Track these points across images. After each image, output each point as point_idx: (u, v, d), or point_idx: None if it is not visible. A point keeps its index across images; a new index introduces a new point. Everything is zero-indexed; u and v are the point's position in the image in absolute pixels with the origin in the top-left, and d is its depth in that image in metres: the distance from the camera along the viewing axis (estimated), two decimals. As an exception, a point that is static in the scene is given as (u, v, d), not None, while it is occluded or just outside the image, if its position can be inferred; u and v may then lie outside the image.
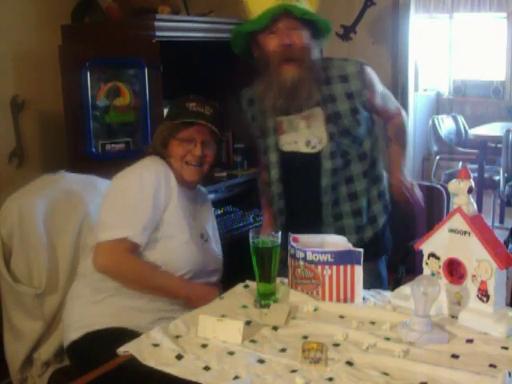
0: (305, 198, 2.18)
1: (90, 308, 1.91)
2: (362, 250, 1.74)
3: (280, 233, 1.74)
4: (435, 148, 6.29)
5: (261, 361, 1.43)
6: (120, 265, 1.87)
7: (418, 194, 2.21)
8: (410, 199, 2.18)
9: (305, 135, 2.13)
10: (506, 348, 1.45)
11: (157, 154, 2.03)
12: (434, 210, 2.55)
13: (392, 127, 2.32)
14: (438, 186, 2.61)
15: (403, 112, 2.35)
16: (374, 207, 2.24)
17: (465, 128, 6.54)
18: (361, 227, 2.19)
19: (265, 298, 1.74)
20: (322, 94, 2.09)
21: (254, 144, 2.32)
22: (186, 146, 1.99)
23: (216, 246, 2.16)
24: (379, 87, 2.24)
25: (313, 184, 2.15)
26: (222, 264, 2.15)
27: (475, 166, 5.33)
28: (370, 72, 2.19)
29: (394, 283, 2.34)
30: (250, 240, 1.73)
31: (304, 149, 2.14)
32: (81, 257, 2.04)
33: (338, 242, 1.89)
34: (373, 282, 2.05)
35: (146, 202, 1.90)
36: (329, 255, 1.73)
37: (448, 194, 2.57)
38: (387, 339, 1.51)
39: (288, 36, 2.01)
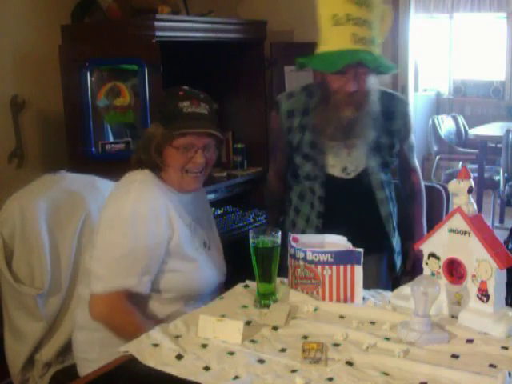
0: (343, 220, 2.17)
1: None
2: (361, 249, 1.74)
3: (280, 233, 1.74)
4: (435, 148, 6.29)
5: (261, 361, 1.43)
6: (116, 320, 1.76)
7: None
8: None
9: (343, 162, 2.20)
10: (506, 348, 1.45)
11: (146, 162, 1.85)
12: (434, 210, 2.55)
13: (412, 186, 2.38)
14: (438, 186, 2.61)
15: (419, 171, 2.40)
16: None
17: (465, 128, 6.55)
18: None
19: (265, 298, 1.74)
20: (369, 127, 2.15)
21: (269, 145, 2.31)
22: (185, 154, 1.81)
23: (218, 249, 2.06)
24: (412, 136, 2.30)
25: (349, 208, 2.22)
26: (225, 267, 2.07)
27: (475, 166, 5.33)
28: (412, 114, 2.26)
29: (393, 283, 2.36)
30: (250, 240, 1.73)
31: (338, 173, 2.22)
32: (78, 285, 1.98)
33: (337, 241, 1.89)
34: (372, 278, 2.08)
35: (141, 245, 1.74)
36: (329, 255, 1.73)
37: (448, 194, 2.58)
38: (387, 339, 1.51)
39: (355, 83, 2.03)
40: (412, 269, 2.33)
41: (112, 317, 1.77)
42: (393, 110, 2.20)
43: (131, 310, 1.77)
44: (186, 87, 1.91)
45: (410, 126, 2.27)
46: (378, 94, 2.15)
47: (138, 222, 1.75)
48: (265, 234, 1.73)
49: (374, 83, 2.10)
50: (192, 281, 1.86)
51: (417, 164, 2.40)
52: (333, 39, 2.03)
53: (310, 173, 2.22)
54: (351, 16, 1.98)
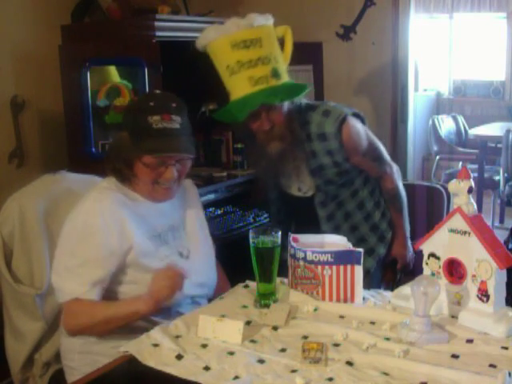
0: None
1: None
2: (362, 250, 1.74)
3: (280, 233, 1.74)
4: (435, 148, 6.29)
5: (261, 361, 1.43)
6: (81, 324, 1.72)
7: (409, 255, 2.39)
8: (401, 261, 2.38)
9: (296, 182, 2.30)
10: (506, 348, 1.45)
11: (117, 171, 1.79)
12: (434, 210, 2.55)
13: (386, 192, 2.36)
14: (438, 186, 2.61)
15: (394, 169, 2.34)
16: (370, 239, 2.34)
17: (465, 128, 6.54)
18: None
19: (265, 298, 1.74)
20: (304, 151, 2.18)
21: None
22: (155, 170, 1.74)
23: (205, 254, 1.95)
24: (362, 145, 2.22)
25: (311, 222, 2.27)
26: (215, 273, 1.97)
27: (475, 166, 5.32)
28: (350, 131, 2.16)
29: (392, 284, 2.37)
30: (250, 240, 1.73)
31: (297, 193, 2.32)
32: None
33: (337, 241, 1.89)
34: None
35: (93, 256, 1.70)
36: (329, 255, 1.73)
37: (448, 194, 2.57)
38: (387, 339, 1.51)
39: (267, 122, 2.08)
40: (403, 271, 2.37)
41: (78, 325, 1.73)
42: (323, 131, 2.16)
43: (91, 305, 1.71)
44: (158, 94, 1.86)
45: (349, 142, 2.17)
46: (311, 115, 2.17)
47: (90, 233, 1.71)
48: (265, 233, 1.73)
49: (293, 109, 2.14)
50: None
51: (388, 168, 2.33)
52: (234, 88, 2.07)
53: (272, 190, 2.38)
54: (242, 62, 2.02)
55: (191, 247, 1.90)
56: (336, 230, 2.21)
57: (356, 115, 2.25)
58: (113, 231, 1.72)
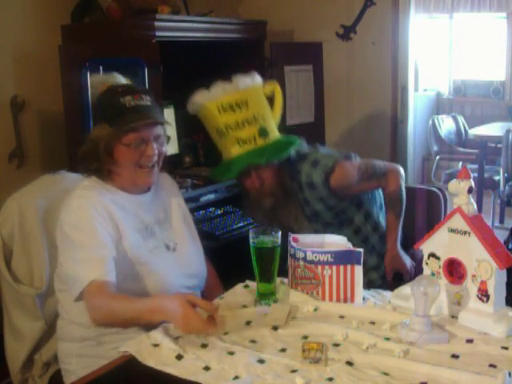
0: None
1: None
2: (361, 250, 1.74)
3: (280, 233, 1.75)
4: (435, 148, 6.29)
5: (261, 361, 1.43)
6: (107, 316, 1.67)
7: (408, 262, 2.33)
8: (402, 271, 2.32)
9: (294, 229, 2.27)
10: (506, 348, 1.45)
11: (94, 170, 1.82)
12: (433, 213, 2.54)
13: (387, 194, 2.36)
14: (435, 190, 2.59)
15: (398, 172, 2.34)
16: (380, 269, 2.35)
17: (465, 128, 6.54)
18: None
19: (265, 298, 1.74)
20: (298, 200, 2.29)
21: None
22: (137, 149, 1.78)
23: (192, 246, 1.96)
24: (353, 179, 2.28)
25: None
26: (204, 265, 1.99)
27: (475, 166, 5.32)
28: (338, 177, 2.24)
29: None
30: (250, 240, 1.73)
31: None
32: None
33: (337, 241, 1.89)
34: None
35: (98, 241, 1.71)
36: (329, 255, 1.73)
37: (445, 197, 2.57)
38: (387, 339, 1.51)
39: (256, 181, 2.21)
40: (391, 270, 2.33)
41: (102, 305, 1.66)
42: (311, 180, 2.25)
43: (112, 294, 1.68)
44: (121, 83, 1.91)
45: (339, 186, 2.25)
46: (301, 164, 2.27)
47: (85, 223, 1.72)
48: (265, 233, 1.73)
49: (283, 163, 2.23)
50: (141, 283, 1.77)
51: (391, 168, 2.35)
52: (224, 149, 2.21)
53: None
54: (229, 125, 2.14)
55: (178, 240, 1.92)
56: None
57: (347, 157, 2.31)
58: (106, 219, 1.74)
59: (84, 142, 1.86)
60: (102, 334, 1.77)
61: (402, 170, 2.37)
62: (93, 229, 1.72)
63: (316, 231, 2.25)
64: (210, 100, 2.15)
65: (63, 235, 1.76)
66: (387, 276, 2.34)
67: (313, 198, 2.28)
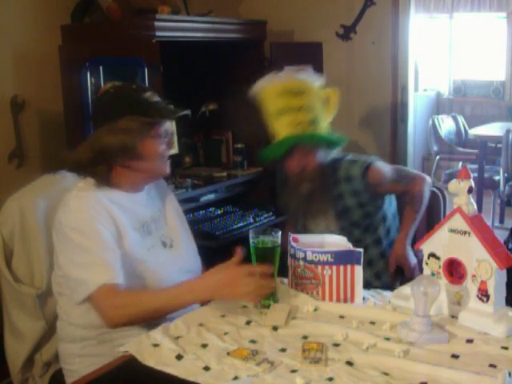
0: None
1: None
2: (361, 250, 1.74)
3: (280, 232, 1.74)
4: (435, 148, 6.29)
5: (261, 361, 1.43)
6: (131, 314, 1.67)
7: (413, 260, 2.36)
8: (405, 266, 2.36)
9: (322, 226, 2.40)
10: (506, 348, 1.45)
11: (95, 171, 1.79)
12: (433, 213, 2.54)
13: (410, 194, 2.43)
14: (435, 189, 2.59)
15: (424, 179, 2.44)
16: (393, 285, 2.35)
17: (465, 128, 6.54)
18: None
19: (265, 298, 1.74)
20: (331, 195, 2.37)
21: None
22: (163, 141, 1.81)
23: (187, 242, 1.98)
24: (387, 178, 2.39)
25: None
26: (199, 260, 2.01)
27: (475, 166, 5.33)
28: (375, 172, 2.36)
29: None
30: (250, 240, 1.73)
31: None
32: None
33: (337, 241, 1.89)
34: None
35: (102, 241, 1.70)
36: (329, 255, 1.73)
37: (445, 197, 2.58)
38: (387, 339, 1.51)
39: (300, 163, 2.31)
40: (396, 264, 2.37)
41: (125, 312, 1.66)
42: (350, 174, 2.35)
43: (137, 295, 1.70)
44: (125, 83, 1.88)
45: (374, 180, 2.35)
46: (340, 162, 2.38)
47: (86, 225, 1.72)
48: (265, 233, 1.73)
49: (326, 157, 2.34)
50: (139, 281, 1.77)
51: (416, 175, 2.46)
52: (278, 130, 2.29)
53: (301, 230, 2.43)
54: (288, 106, 2.25)
55: (173, 236, 1.94)
56: None
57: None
58: (106, 218, 1.74)
59: (92, 137, 1.80)
60: (102, 333, 1.77)
61: (429, 179, 2.46)
62: (95, 230, 1.71)
63: (342, 229, 2.30)
64: (273, 82, 2.28)
65: (63, 237, 1.75)
66: (389, 267, 2.38)
67: (347, 191, 2.36)
